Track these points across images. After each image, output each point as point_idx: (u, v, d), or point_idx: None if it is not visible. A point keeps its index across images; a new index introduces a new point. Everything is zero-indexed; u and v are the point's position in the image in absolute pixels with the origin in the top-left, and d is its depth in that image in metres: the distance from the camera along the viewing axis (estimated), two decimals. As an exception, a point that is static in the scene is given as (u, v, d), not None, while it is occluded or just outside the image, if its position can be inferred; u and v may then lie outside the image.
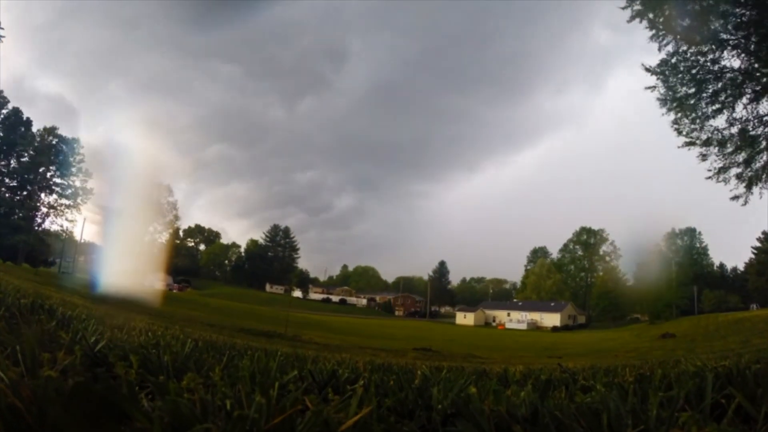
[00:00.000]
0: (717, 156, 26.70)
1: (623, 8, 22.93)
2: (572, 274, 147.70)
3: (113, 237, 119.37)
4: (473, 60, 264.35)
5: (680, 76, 25.24)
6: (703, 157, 26.95)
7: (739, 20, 22.44)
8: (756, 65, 23.66)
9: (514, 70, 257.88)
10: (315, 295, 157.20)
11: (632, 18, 22.92)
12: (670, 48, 24.13)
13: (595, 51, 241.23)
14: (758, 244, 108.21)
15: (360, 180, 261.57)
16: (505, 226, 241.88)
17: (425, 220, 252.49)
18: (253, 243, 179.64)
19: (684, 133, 26.63)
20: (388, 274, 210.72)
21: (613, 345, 50.87)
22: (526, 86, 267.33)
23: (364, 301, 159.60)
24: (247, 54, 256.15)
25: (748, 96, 24.71)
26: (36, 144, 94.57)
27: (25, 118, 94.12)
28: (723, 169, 26.74)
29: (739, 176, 26.59)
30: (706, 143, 26.54)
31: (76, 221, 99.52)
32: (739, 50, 23.41)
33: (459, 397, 2.57)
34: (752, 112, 25.04)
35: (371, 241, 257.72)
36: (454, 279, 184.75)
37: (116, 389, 1.93)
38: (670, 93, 25.82)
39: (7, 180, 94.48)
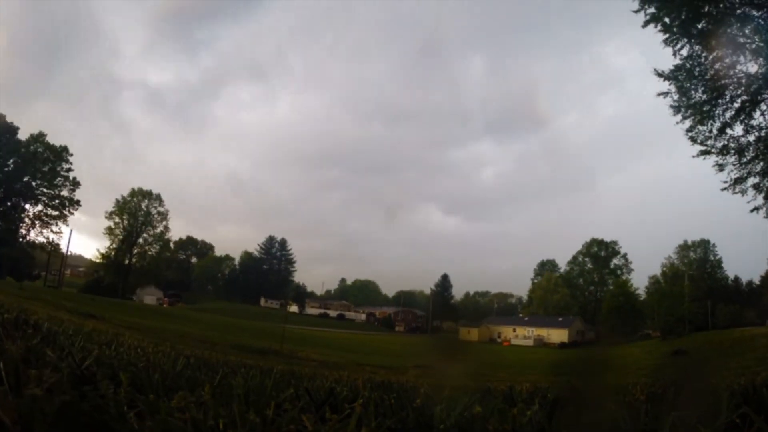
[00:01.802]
0: (734, 165, 26.45)
1: (636, 11, 22.82)
2: (581, 288, 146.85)
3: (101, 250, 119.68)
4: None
5: (695, 81, 25.01)
6: (720, 167, 26.66)
7: (757, 24, 22.34)
8: (775, 70, 23.52)
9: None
10: (312, 310, 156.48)
11: (646, 23, 22.79)
12: (684, 52, 23.94)
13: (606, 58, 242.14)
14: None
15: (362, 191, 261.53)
16: (511, 238, 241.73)
17: (428, 231, 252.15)
18: (247, 255, 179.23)
19: (699, 141, 26.38)
20: (389, 288, 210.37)
21: (624, 362, 50.74)
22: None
23: (363, 316, 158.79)
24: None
25: (767, 103, 24.55)
26: (22, 152, 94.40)
27: (10, 125, 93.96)
28: (740, 180, 26.47)
29: (756, 187, 26.32)
30: (723, 152, 26.29)
31: (62, 233, 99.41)
32: (757, 55, 23.28)
33: (462, 417, 2.56)
34: (772, 120, 24.88)
35: (371, 254, 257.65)
36: (458, 293, 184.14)
37: (104, 408, 1.92)
38: (685, 99, 25.60)
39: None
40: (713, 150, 26.32)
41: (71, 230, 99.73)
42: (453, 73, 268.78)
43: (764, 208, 26.32)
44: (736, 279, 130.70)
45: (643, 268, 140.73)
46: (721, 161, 26.50)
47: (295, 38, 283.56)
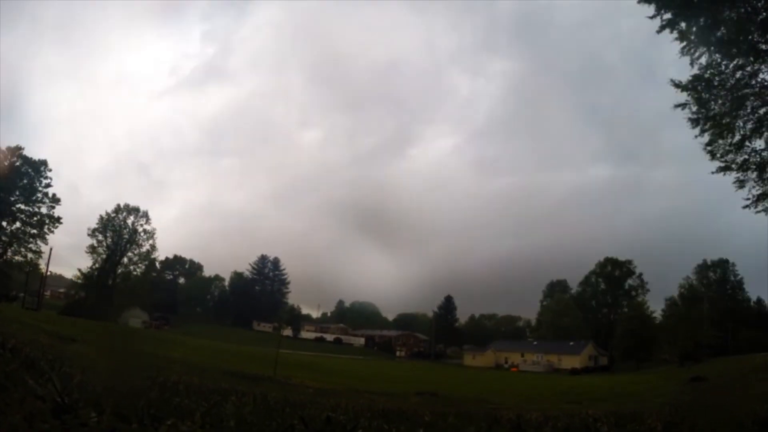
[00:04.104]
0: (755, 182, 26.27)
1: (651, 17, 22.73)
2: (594, 310, 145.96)
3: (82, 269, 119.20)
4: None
5: (714, 91, 24.82)
6: (741, 183, 26.51)
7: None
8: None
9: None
10: (307, 334, 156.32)
11: (661, 28, 22.67)
12: (703, 61, 23.78)
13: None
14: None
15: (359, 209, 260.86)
16: (519, 256, 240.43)
17: (431, 250, 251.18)
18: (237, 276, 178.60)
19: (718, 156, 26.23)
20: (389, 311, 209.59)
21: (639, 389, 50.52)
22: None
23: (361, 341, 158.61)
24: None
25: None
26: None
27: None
28: (763, 196, 26.29)
29: (781, 204, 26.15)
30: (743, 167, 26.13)
31: (42, 252, 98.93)
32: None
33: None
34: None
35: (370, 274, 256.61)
36: (462, 316, 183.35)
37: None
38: (703, 111, 25.42)
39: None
40: (733, 165, 26.16)
41: (51, 249, 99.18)
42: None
43: None
44: (759, 301, 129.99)
45: (660, 289, 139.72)
46: (741, 177, 26.35)
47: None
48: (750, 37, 22.14)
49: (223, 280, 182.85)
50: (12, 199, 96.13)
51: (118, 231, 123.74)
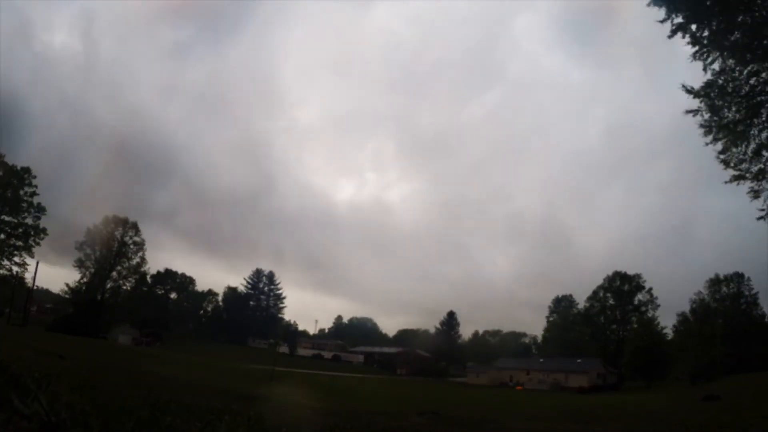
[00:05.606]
0: None
1: (662, 21, 22.68)
2: (602, 326, 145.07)
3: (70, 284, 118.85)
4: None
5: (728, 98, 24.70)
6: (755, 193, 26.37)
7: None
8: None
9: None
10: (304, 351, 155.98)
11: (673, 33, 22.63)
12: (716, 66, 23.71)
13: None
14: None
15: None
16: (523, 271, 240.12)
17: (431, 264, 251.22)
18: (231, 291, 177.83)
19: (732, 165, 26.12)
20: (389, 327, 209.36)
21: (650, 408, 50.26)
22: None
23: (360, 358, 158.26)
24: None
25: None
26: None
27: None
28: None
29: (798, 216, 26.02)
30: (758, 177, 26.00)
31: (27, 265, 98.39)
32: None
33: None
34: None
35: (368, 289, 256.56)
36: (465, 332, 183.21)
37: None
38: (716, 118, 25.31)
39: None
40: (748, 175, 26.02)
41: (37, 262, 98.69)
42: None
43: None
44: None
45: (671, 304, 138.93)
46: (756, 187, 26.20)
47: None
48: (765, 41, 22.11)
49: (216, 295, 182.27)
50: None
51: (107, 244, 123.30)
